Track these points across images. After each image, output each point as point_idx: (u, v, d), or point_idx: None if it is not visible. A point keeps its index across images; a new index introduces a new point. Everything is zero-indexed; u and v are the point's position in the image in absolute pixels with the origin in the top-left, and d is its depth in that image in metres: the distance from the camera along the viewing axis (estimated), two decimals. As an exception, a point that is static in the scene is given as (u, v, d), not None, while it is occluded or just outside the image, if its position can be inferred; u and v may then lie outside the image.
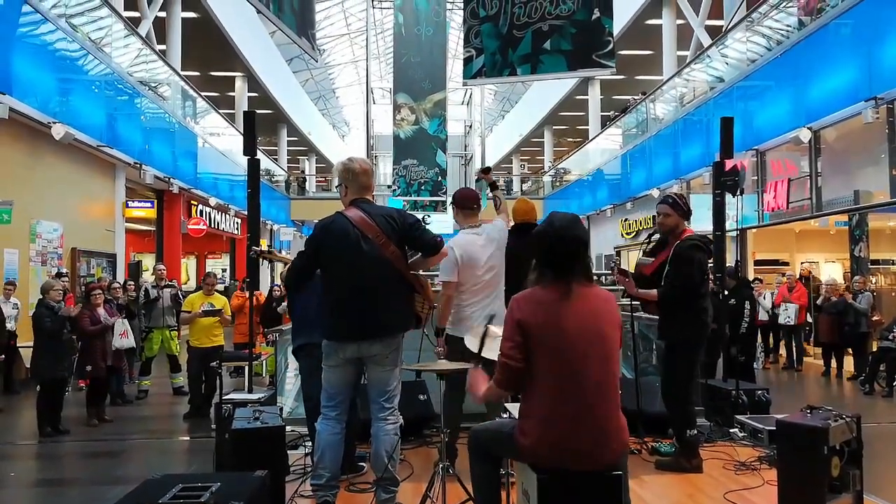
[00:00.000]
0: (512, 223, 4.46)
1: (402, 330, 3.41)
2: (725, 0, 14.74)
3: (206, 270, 14.09)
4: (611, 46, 8.02)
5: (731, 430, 4.88)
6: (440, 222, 15.98)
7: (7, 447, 6.75)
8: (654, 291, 4.16)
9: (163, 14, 16.17)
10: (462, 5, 8.78)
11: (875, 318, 9.86)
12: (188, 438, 7.05)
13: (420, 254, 3.51)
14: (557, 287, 2.47)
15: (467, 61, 8.52)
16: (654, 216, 5.19)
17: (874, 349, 9.42)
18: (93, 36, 11.40)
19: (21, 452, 6.71)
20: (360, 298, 3.29)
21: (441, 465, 3.16)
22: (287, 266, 3.89)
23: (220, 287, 11.97)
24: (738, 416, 4.93)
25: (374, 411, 3.39)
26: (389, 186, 15.71)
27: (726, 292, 6.34)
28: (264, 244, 4.63)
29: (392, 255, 3.33)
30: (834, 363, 10.34)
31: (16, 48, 8.99)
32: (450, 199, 5.00)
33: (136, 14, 14.97)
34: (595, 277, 2.70)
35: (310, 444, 4.09)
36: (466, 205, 4.14)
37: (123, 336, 7.95)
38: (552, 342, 2.40)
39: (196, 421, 7.37)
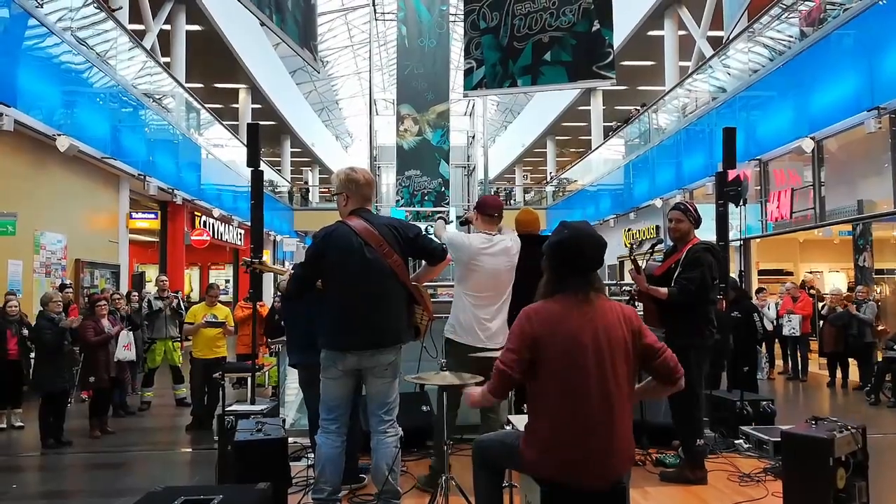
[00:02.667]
0: (515, 235, 4.39)
1: (403, 341, 3.39)
2: (726, 10, 14.79)
3: (210, 281, 14.08)
4: (611, 58, 8.05)
5: (736, 442, 4.85)
6: (443, 233, 15.99)
7: (9, 459, 6.74)
8: (664, 290, 4.16)
9: (167, 27, 16.31)
10: (464, 17, 8.82)
11: (880, 327, 9.82)
12: (191, 450, 7.03)
13: (425, 264, 3.50)
14: (575, 297, 2.40)
15: (468, 73, 8.54)
16: (657, 226, 5.19)
17: (879, 359, 9.37)
18: (98, 49, 11.48)
19: (23, 464, 6.69)
20: (362, 308, 3.27)
21: (444, 477, 3.14)
22: (284, 277, 3.87)
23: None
24: (743, 428, 4.91)
25: (374, 424, 3.36)
26: (398, 201, 15.76)
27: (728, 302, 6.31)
28: (267, 254, 4.61)
29: (395, 264, 3.32)
30: (839, 373, 10.29)
31: (21, 61, 9.06)
32: (453, 211, 4.95)
33: (140, 27, 15.10)
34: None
35: (312, 455, 4.07)
36: (486, 210, 4.01)
37: (127, 348, 7.93)
38: (564, 359, 2.34)
39: (198, 432, 7.36)
